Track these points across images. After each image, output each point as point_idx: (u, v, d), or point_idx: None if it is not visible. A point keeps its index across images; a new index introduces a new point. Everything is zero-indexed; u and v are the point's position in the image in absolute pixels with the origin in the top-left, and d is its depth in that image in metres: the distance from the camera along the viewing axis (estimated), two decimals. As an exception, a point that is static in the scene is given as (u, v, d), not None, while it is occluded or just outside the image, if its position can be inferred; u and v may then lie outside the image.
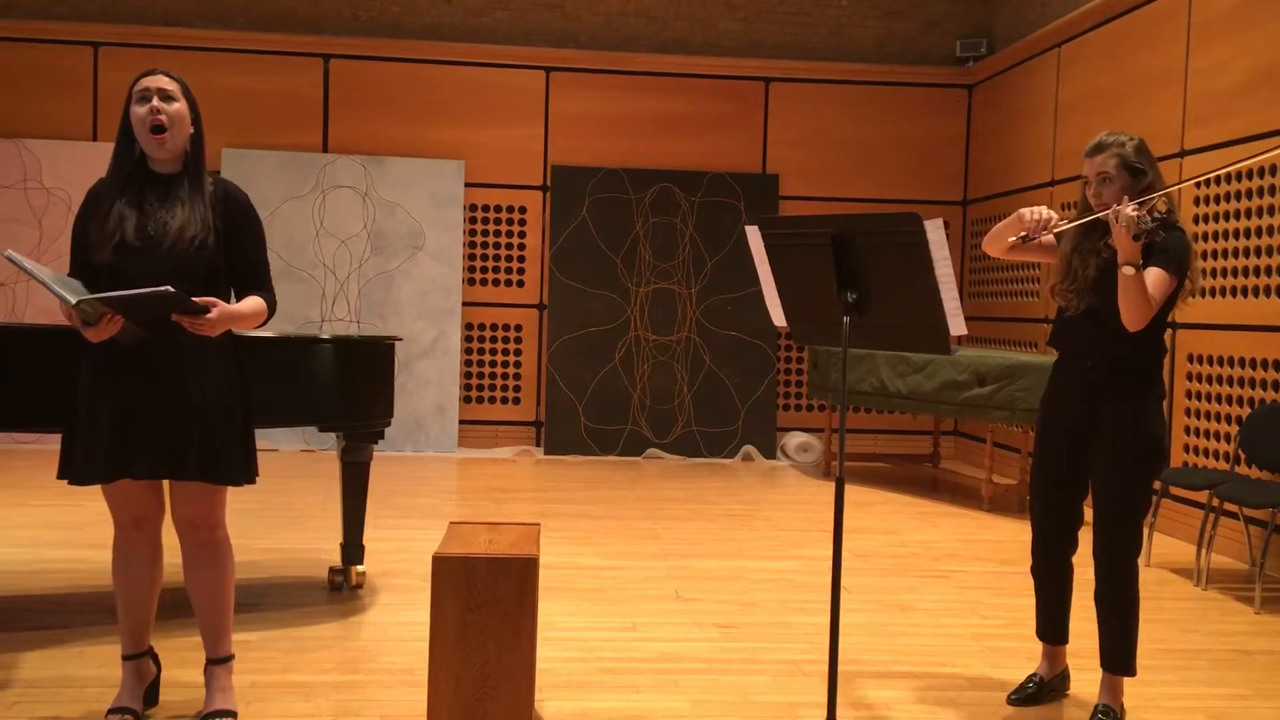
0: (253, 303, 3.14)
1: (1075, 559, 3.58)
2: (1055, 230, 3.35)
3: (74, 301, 2.79)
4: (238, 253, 3.14)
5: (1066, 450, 3.48)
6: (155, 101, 3.02)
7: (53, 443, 8.92)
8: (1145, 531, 5.83)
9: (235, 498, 3.30)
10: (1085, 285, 3.33)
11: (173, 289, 2.82)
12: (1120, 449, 3.35)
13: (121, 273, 2.95)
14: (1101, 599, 3.44)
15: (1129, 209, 3.05)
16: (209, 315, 2.94)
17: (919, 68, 9.68)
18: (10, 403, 3.80)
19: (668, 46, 9.56)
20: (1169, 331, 6.48)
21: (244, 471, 3.16)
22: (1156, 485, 5.75)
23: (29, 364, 3.78)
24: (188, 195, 3.06)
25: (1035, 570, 3.66)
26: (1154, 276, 3.18)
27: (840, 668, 3.04)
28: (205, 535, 3.17)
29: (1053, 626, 3.66)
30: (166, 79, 3.07)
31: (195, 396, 3.05)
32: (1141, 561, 5.64)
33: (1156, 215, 3.02)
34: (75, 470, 3.04)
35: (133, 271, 2.94)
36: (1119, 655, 3.43)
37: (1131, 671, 3.45)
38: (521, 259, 9.47)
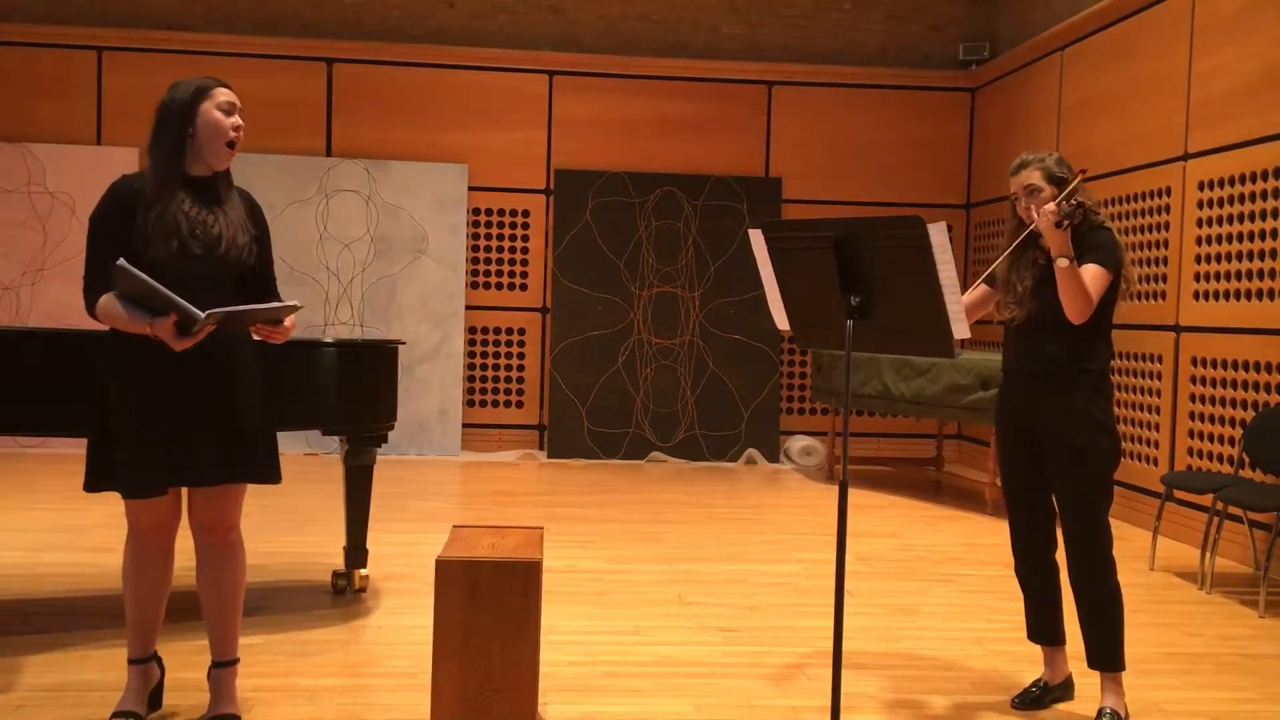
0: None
1: (1059, 558, 3.58)
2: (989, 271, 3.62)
3: (204, 316, 2.85)
4: (260, 260, 3.21)
5: (1023, 450, 3.55)
6: (238, 119, 3.10)
7: (56, 446, 8.90)
8: (1151, 536, 5.84)
9: (238, 501, 3.30)
10: (1024, 295, 3.49)
11: (300, 303, 3.04)
12: (1068, 444, 3.41)
13: (182, 275, 2.95)
14: (1077, 595, 3.47)
15: (1049, 205, 3.31)
16: (284, 324, 3.08)
17: (922, 71, 9.69)
18: (25, 406, 3.82)
19: (670, 50, 9.57)
20: (1173, 334, 6.51)
21: (277, 469, 3.21)
22: (1161, 487, 5.75)
23: (45, 368, 3.81)
24: (228, 203, 3.12)
25: (1017, 571, 3.68)
26: (1090, 272, 3.36)
27: (844, 671, 3.04)
28: (222, 537, 3.20)
29: (1041, 627, 3.66)
30: (236, 96, 3.15)
31: (241, 398, 3.10)
32: (1145, 565, 5.67)
33: (1074, 202, 3.30)
34: (126, 481, 3.01)
35: (192, 274, 2.97)
36: (1102, 651, 3.44)
37: (1119, 667, 3.45)
38: (524, 262, 9.48)
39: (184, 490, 3.16)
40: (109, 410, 3.02)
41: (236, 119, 3.10)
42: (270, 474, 3.18)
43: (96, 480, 3.06)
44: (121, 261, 2.85)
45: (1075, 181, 3.41)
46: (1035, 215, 3.38)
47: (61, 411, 3.81)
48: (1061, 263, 3.27)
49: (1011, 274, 3.53)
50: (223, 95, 3.09)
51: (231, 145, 3.09)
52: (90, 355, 3.51)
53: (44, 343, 3.97)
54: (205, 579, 3.21)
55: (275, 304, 3.06)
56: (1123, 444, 6.80)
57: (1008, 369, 3.62)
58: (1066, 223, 3.27)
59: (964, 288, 3.28)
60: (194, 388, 3.03)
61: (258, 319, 3.07)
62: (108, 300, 2.96)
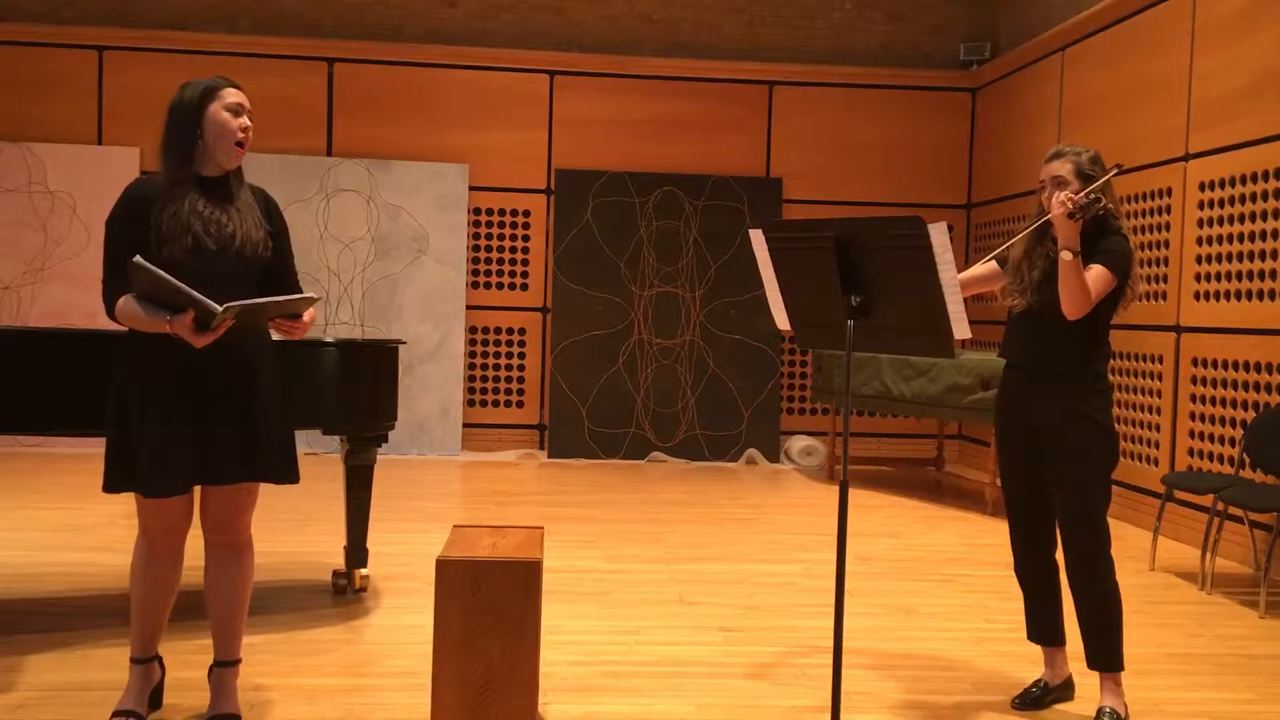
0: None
1: (1060, 558, 3.58)
2: (996, 255, 3.63)
3: (221, 309, 2.85)
4: (279, 257, 3.22)
5: (1022, 450, 3.55)
6: (246, 119, 3.11)
7: (56, 446, 8.89)
8: (1151, 536, 5.84)
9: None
10: (1030, 285, 3.50)
11: (318, 295, 3.06)
12: (1067, 444, 3.41)
13: (199, 274, 2.94)
14: (1076, 595, 3.47)
15: (1064, 194, 3.32)
16: (304, 318, 3.09)
17: (923, 71, 9.68)
18: (30, 405, 3.84)
19: (671, 50, 9.57)
20: (1174, 335, 6.51)
21: (295, 470, 3.22)
22: (1162, 487, 5.75)
23: (49, 367, 3.83)
24: (240, 201, 3.12)
25: (1017, 571, 3.68)
26: (1094, 273, 3.36)
27: (844, 671, 3.04)
28: (234, 537, 3.21)
29: (1041, 628, 3.66)
30: (245, 96, 3.14)
31: (260, 397, 3.11)
32: (1145, 565, 5.67)
33: (1091, 197, 3.30)
34: (146, 481, 3.00)
35: (206, 273, 2.96)
36: (1101, 652, 3.44)
37: (1118, 667, 3.45)
38: (525, 262, 9.48)
39: (196, 491, 3.16)
40: (128, 411, 3.02)
41: (245, 120, 3.10)
42: (288, 474, 3.18)
43: (116, 481, 3.05)
44: (137, 258, 2.85)
45: (1103, 179, 3.40)
46: (1053, 198, 3.37)
47: (67, 411, 3.82)
48: (1065, 255, 3.27)
49: (1023, 261, 3.53)
50: (231, 96, 3.09)
51: (240, 145, 3.09)
52: (97, 354, 3.51)
53: (45, 342, 3.97)
54: (213, 578, 3.22)
55: (293, 296, 3.05)
56: (1123, 444, 6.80)
57: (1008, 362, 3.62)
58: (1079, 215, 3.26)
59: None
60: (213, 387, 3.04)
61: (275, 312, 3.05)
62: (126, 302, 2.96)
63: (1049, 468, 3.48)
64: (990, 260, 3.65)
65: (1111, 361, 3.56)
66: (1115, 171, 3.46)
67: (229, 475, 3.08)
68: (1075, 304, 3.32)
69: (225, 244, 3.03)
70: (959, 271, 3.53)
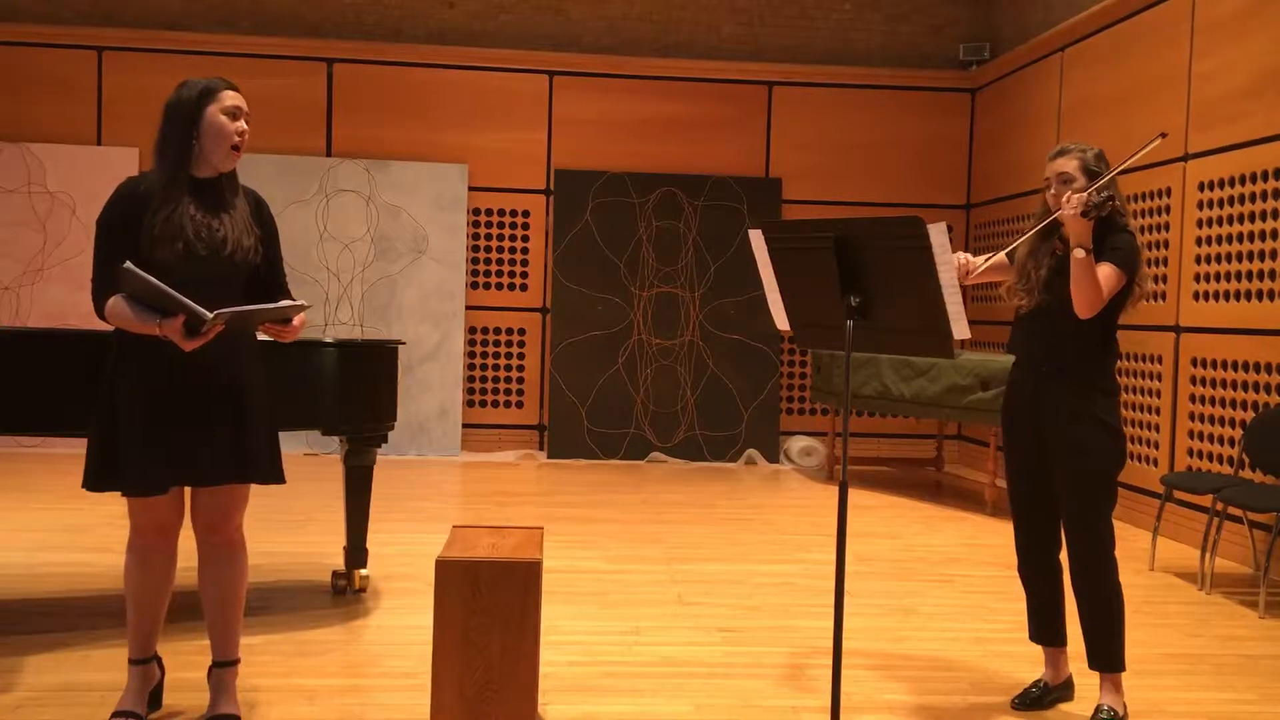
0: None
1: (1064, 558, 3.58)
2: (987, 261, 3.56)
3: (212, 316, 2.85)
4: (268, 259, 3.21)
5: (1028, 449, 3.54)
6: (243, 123, 3.10)
7: (55, 446, 8.89)
8: (1151, 536, 5.84)
9: (238, 501, 3.29)
10: (1037, 284, 3.49)
11: (308, 303, 3.07)
12: (1072, 443, 3.41)
13: (189, 277, 2.94)
14: (1078, 595, 3.47)
15: (1079, 195, 3.28)
16: (294, 323, 3.09)
17: (922, 71, 9.69)
18: (29, 405, 3.85)
19: (670, 50, 9.57)
20: (1173, 335, 6.51)
21: (281, 470, 3.23)
22: (1161, 487, 5.75)
23: (47, 368, 3.84)
24: (231, 204, 3.11)
25: (1020, 571, 3.68)
26: (1104, 271, 3.34)
27: (844, 671, 3.04)
28: (227, 536, 3.21)
29: (1043, 628, 3.65)
30: (243, 99, 3.14)
31: (247, 399, 3.12)
32: (1144, 565, 5.67)
33: (1104, 194, 3.27)
34: (129, 479, 3.01)
35: (195, 277, 2.96)
36: (1103, 652, 3.44)
37: (1119, 667, 3.45)
38: (525, 262, 9.48)
39: (186, 491, 3.16)
40: (115, 409, 3.02)
41: (241, 124, 3.10)
42: (274, 475, 3.19)
43: (97, 479, 3.05)
44: (127, 264, 2.85)
45: (1130, 159, 3.36)
46: (1064, 197, 3.35)
47: (66, 412, 3.82)
48: (1078, 253, 3.26)
49: (1028, 260, 3.52)
50: (229, 99, 3.08)
51: (236, 149, 3.09)
52: (96, 355, 3.51)
53: (44, 343, 3.98)
54: (207, 579, 3.22)
55: (283, 303, 3.06)
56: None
57: (1016, 361, 3.61)
58: (1093, 213, 3.25)
59: (964, 290, 3.26)
60: (200, 388, 3.04)
61: (265, 318, 3.06)
62: (116, 302, 2.96)
63: (1054, 467, 3.48)
64: (1001, 255, 3.63)
65: (1118, 362, 3.54)
66: (1159, 139, 3.43)
67: (216, 476, 3.08)
68: (1087, 303, 3.31)
69: (216, 249, 3.03)
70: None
